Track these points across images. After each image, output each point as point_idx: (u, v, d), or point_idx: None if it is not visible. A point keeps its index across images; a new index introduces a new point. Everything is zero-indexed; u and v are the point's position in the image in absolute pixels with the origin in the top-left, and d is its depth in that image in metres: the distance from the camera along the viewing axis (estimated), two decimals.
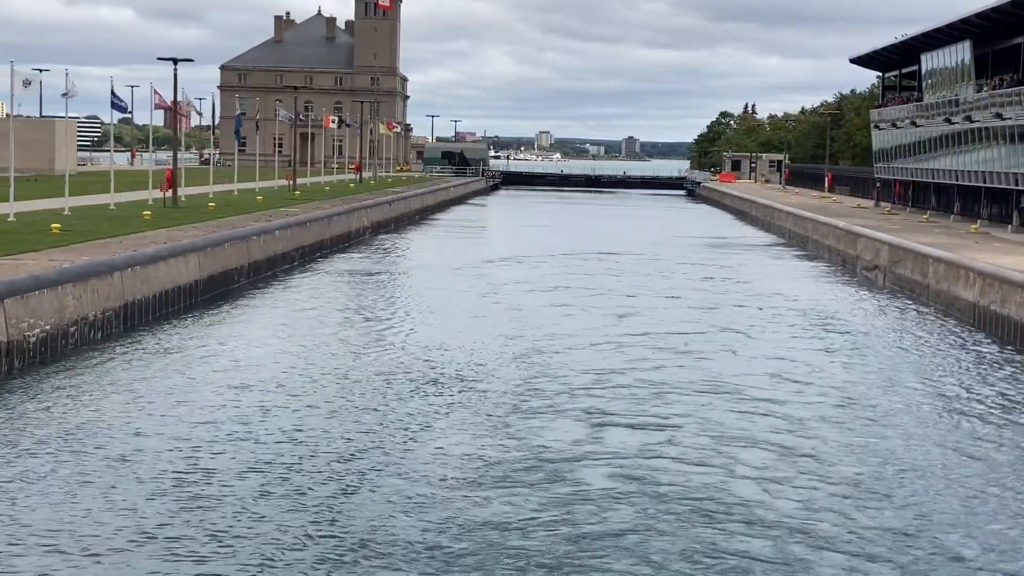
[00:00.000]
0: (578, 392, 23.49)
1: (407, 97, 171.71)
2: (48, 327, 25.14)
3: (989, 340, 31.52)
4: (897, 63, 75.80)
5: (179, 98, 56.25)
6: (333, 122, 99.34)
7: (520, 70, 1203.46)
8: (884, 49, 74.60)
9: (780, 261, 55.86)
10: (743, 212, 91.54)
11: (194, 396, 22.22)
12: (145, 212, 46.45)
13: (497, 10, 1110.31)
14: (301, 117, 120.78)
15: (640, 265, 50.60)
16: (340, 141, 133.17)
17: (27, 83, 38.72)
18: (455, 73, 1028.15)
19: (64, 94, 43.55)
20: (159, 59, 57.94)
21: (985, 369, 27.44)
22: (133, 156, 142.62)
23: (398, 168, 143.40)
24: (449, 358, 26.73)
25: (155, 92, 54.73)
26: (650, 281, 44.51)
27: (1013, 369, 27.36)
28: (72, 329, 26.32)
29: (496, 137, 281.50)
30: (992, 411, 22.78)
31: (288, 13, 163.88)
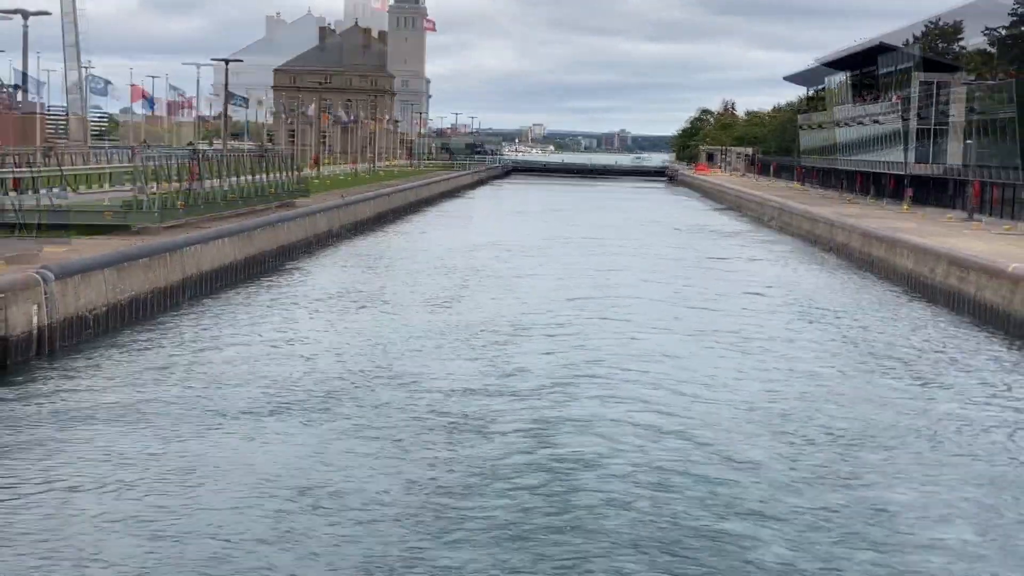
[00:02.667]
0: (558, 298, 51.12)
1: (430, 96, 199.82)
2: (353, 222, 53.12)
3: (832, 257, 59.65)
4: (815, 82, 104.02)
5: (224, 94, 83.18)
6: (387, 121, 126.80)
7: (517, 63, 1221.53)
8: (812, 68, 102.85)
9: (718, 214, 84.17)
10: (706, 191, 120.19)
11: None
12: (314, 179, 74.37)
13: (496, 2, 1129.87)
14: (352, 117, 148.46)
15: (621, 219, 78.79)
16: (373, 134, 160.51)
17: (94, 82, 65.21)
18: (451, 65, 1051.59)
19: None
20: (213, 59, 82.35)
21: (843, 284, 55.55)
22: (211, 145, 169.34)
23: (425, 158, 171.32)
24: (499, 257, 54.59)
25: (223, 89, 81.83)
26: (626, 229, 72.67)
27: (862, 286, 55.46)
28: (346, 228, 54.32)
29: (489, 129, 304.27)
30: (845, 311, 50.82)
31: (330, 24, 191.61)
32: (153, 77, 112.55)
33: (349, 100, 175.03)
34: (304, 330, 29.42)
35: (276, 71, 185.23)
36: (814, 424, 20.85)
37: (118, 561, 13.47)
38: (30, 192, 37.27)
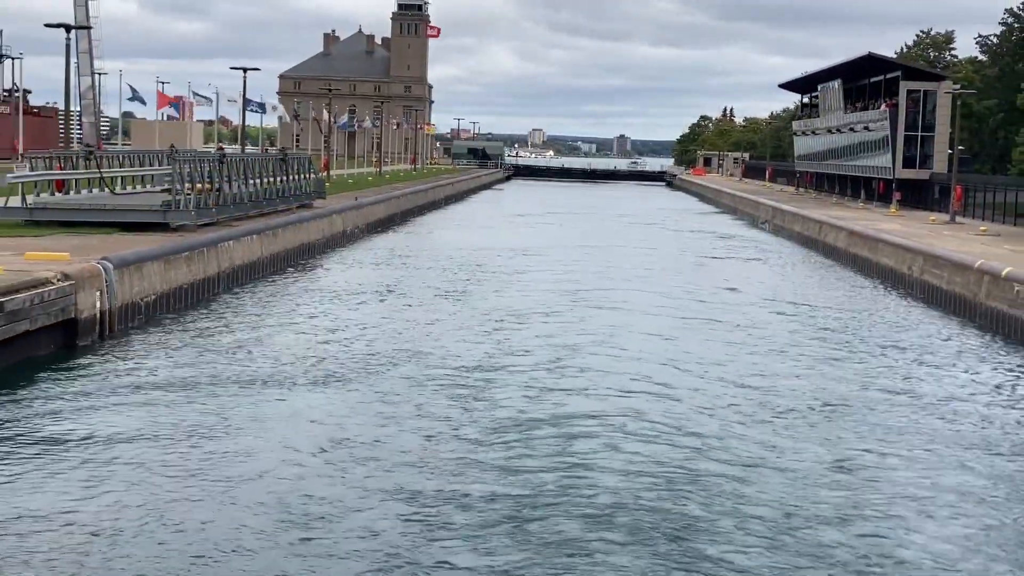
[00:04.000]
0: (545, 264, 54.38)
1: (432, 102, 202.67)
2: (362, 223, 56.06)
3: (819, 256, 62.62)
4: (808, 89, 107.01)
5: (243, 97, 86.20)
6: (396, 125, 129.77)
7: (523, 67, 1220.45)
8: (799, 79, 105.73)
9: (714, 217, 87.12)
10: (702, 195, 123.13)
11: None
12: (327, 184, 77.21)
13: (504, 6, 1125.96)
14: (359, 123, 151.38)
15: (622, 219, 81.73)
16: (377, 139, 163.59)
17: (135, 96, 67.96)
18: (457, 69, 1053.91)
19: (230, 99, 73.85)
20: (231, 68, 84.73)
21: (793, 263, 58.57)
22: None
23: (430, 162, 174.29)
24: (504, 255, 57.63)
25: (241, 95, 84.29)
26: (624, 227, 75.62)
27: (846, 281, 58.46)
28: (357, 228, 57.28)
29: (490, 134, 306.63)
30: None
31: (334, 30, 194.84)
32: (164, 82, 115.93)
33: (352, 105, 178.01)
34: (330, 316, 32.36)
35: (281, 77, 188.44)
36: (795, 396, 23.75)
37: (184, 505, 16.06)
38: (72, 192, 40.28)
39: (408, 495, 16.55)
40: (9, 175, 35.51)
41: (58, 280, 25.08)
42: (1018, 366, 28.03)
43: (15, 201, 35.91)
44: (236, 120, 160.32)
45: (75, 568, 13.61)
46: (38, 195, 37.60)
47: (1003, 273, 33.20)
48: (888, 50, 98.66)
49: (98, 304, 26.75)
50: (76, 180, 40.75)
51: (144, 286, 29.55)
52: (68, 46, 39.61)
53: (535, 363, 26.22)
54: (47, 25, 38.66)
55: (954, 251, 39.83)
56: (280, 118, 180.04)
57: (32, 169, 37.23)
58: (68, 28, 39.67)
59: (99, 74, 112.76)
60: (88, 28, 38.06)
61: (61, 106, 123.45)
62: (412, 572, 13.85)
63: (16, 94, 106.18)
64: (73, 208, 36.68)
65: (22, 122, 39.74)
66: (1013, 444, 20.42)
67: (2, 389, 21.51)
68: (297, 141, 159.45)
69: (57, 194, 39.11)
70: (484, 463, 18.22)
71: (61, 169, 39.19)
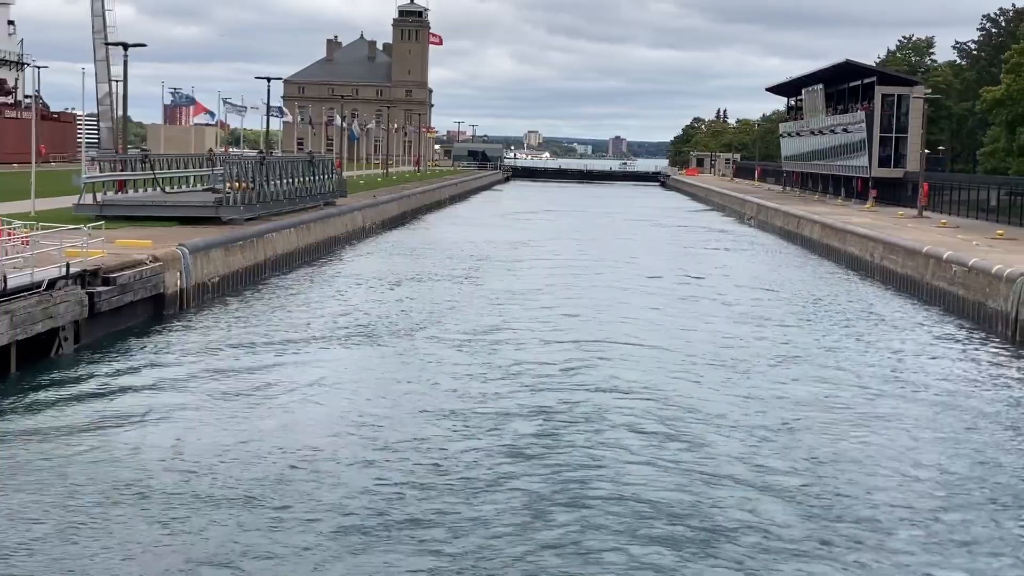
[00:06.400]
0: (539, 247, 59.71)
1: (432, 105, 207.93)
2: (380, 220, 61.36)
3: (797, 246, 68.00)
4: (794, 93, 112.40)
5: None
6: (404, 132, 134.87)
7: (520, 70, 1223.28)
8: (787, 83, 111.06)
9: (703, 213, 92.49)
10: (694, 194, 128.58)
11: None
12: None
13: (502, 9, 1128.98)
14: (365, 126, 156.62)
15: (617, 216, 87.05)
16: (379, 142, 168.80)
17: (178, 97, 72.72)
18: (454, 72, 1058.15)
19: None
20: (257, 78, 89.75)
21: (773, 254, 63.94)
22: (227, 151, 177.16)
23: (431, 164, 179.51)
24: (507, 246, 62.96)
25: (264, 103, 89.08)
26: (619, 222, 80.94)
27: (818, 267, 63.84)
28: (370, 224, 62.58)
29: (485, 136, 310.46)
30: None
31: (336, 36, 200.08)
32: (176, 88, 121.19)
33: (354, 109, 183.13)
34: (360, 294, 37.86)
35: (286, 82, 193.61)
36: (762, 351, 29.10)
37: (249, 429, 21.11)
38: (130, 192, 45.54)
39: (440, 413, 21.86)
40: (84, 175, 40.65)
41: (150, 261, 30.39)
42: (945, 331, 33.48)
43: (87, 199, 41.13)
44: (233, 123, 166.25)
45: (175, 467, 18.75)
46: (105, 193, 42.81)
47: (944, 256, 38.56)
48: (880, 52, 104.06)
49: (178, 282, 32.05)
50: (135, 180, 45.99)
51: (211, 269, 34.87)
52: (125, 62, 44.83)
53: (538, 326, 31.62)
54: (107, 44, 43.74)
55: (908, 239, 45.17)
56: (287, 122, 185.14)
57: (101, 171, 42.46)
58: (126, 46, 44.91)
59: (116, 81, 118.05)
60: (143, 45, 42.87)
61: (79, 111, 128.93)
62: (448, 464, 18.92)
63: (28, 99, 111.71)
64: (137, 204, 41.96)
65: (95, 131, 43.69)
66: (931, 383, 25.90)
67: (116, 347, 26.85)
68: (299, 144, 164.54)
69: (119, 193, 44.33)
70: (500, 394, 23.57)
71: (122, 170, 44.37)
